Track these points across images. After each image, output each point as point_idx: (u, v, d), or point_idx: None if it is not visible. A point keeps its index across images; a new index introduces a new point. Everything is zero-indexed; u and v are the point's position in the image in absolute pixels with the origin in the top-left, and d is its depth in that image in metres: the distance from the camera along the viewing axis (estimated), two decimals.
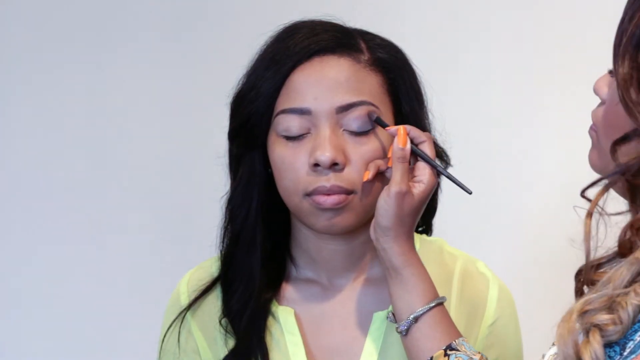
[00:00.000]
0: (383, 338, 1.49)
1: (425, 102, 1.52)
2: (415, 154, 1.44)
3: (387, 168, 1.45)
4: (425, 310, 1.40)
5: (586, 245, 1.22)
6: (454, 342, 1.38)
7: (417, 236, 1.55)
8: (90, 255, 2.47)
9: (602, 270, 1.23)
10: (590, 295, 1.19)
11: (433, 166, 1.44)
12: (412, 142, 1.44)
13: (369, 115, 1.45)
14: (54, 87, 2.48)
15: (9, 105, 2.49)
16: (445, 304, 1.43)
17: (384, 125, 1.45)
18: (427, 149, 1.44)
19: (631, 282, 1.17)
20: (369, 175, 1.44)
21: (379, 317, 1.50)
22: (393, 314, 1.43)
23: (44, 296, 2.48)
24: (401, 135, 1.42)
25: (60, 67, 2.48)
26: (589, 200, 1.25)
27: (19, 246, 2.49)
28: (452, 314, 1.48)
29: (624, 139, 1.21)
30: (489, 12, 2.32)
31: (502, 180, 2.27)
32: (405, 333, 1.40)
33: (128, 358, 2.39)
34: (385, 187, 1.42)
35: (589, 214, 1.21)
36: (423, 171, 1.43)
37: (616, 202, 1.23)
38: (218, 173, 1.56)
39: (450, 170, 1.46)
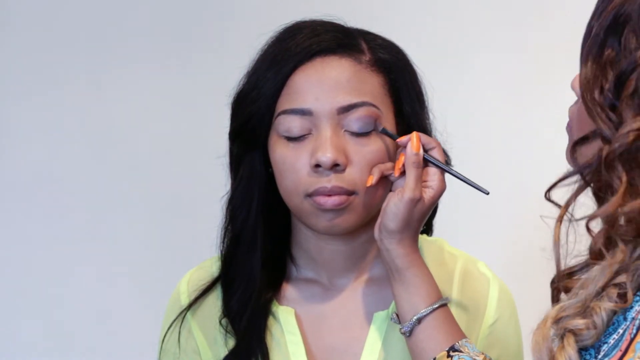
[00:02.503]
0: (383, 338, 1.49)
1: (426, 103, 1.52)
2: (426, 160, 1.44)
3: (390, 173, 1.45)
4: (428, 311, 1.40)
5: (556, 251, 1.23)
6: (457, 343, 1.39)
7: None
8: (90, 255, 2.47)
9: (575, 277, 1.23)
10: (564, 302, 1.20)
11: (447, 171, 1.44)
12: (422, 148, 1.44)
13: (376, 126, 1.45)
14: (54, 86, 2.48)
15: (9, 104, 2.49)
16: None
17: (393, 137, 1.45)
18: (437, 155, 1.45)
19: (604, 287, 1.18)
20: (372, 180, 1.44)
21: (380, 317, 1.50)
22: (397, 315, 1.43)
23: (43, 296, 2.48)
24: (414, 141, 1.43)
25: (61, 66, 2.48)
26: (554, 203, 1.25)
27: (19, 246, 2.49)
28: (453, 313, 1.48)
29: (583, 140, 1.22)
30: (490, 13, 2.32)
31: (503, 181, 2.27)
32: (409, 334, 1.40)
33: (128, 358, 2.39)
34: (398, 191, 1.42)
35: (559, 220, 1.22)
36: (433, 177, 1.44)
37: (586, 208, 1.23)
38: (218, 173, 1.56)
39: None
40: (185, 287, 1.57)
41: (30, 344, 2.48)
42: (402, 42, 1.52)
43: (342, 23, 1.51)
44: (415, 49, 1.55)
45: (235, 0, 2.46)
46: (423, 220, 1.44)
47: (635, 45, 1.16)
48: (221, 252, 1.55)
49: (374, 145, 1.45)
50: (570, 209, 1.22)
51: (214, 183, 1.58)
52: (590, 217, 1.18)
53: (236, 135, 1.50)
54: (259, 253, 1.51)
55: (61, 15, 2.49)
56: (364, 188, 1.44)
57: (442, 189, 1.44)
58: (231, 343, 1.50)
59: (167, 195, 2.47)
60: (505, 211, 2.30)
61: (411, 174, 1.42)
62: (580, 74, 1.21)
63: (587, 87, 1.19)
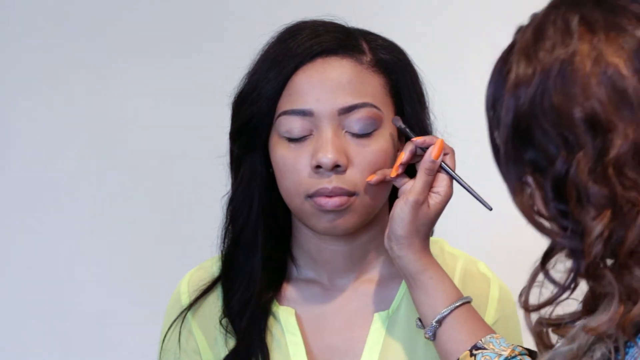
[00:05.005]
0: (384, 338, 1.49)
1: (427, 103, 1.52)
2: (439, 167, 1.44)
3: (394, 178, 1.45)
4: (447, 312, 1.39)
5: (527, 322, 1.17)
6: (480, 341, 1.37)
7: None
8: (90, 255, 2.47)
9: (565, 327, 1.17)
10: (555, 349, 1.15)
11: (458, 181, 1.44)
12: None
13: (394, 121, 1.45)
14: (55, 85, 2.48)
15: (9, 103, 2.49)
16: None
17: (410, 135, 1.45)
18: (450, 161, 1.44)
19: (596, 340, 1.12)
20: (373, 178, 1.44)
21: (380, 318, 1.50)
22: (420, 320, 1.43)
23: (43, 296, 2.47)
24: (436, 149, 1.43)
25: (61, 66, 2.48)
26: (531, 309, 1.16)
27: (19, 246, 2.49)
28: None
29: (548, 255, 1.14)
30: (491, 13, 2.32)
31: (503, 181, 2.27)
32: (433, 338, 1.40)
33: (128, 358, 2.39)
34: (404, 195, 1.42)
35: (527, 312, 1.15)
36: (441, 183, 1.43)
37: None
38: (219, 173, 1.56)
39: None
40: (186, 287, 1.56)
41: (30, 344, 2.48)
42: (403, 43, 1.52)
43: (343, 23, 1.50)
44: (416, 49, 1.54)
45: (235, 0, 2.46)
46: (430, 225, 1.43)
47: (553, 146, 1.08)
48: (222, 252, 1.55)
49: (375, 146, 1.45)
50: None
51: (215, 183, 1.58)
52: (591, 330, 1.09)
53: (237, 135, 1.50)
54: (259, 253, 1.51)
55: (61, 14, 2.48)
56: (364, 189, 1.44)
57: (449, 195, 1.44)
58: (231, 343, 1.50)
59: (168, 195, 2.47)
60: (505, 212, 2.29)
61: (421, 179, 1.42)
62: (513, 199, 1.13)
63: (526, 209, 1.12)
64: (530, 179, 1.11)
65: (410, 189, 1.42)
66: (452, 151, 1.45)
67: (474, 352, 1.37)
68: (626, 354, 1.09)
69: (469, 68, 2.35)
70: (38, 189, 2.48)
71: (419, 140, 1.44)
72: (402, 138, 1.49)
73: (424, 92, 1.52)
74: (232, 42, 2.37)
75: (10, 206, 2.49)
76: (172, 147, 2.46)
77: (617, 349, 1.10)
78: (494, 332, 1.40)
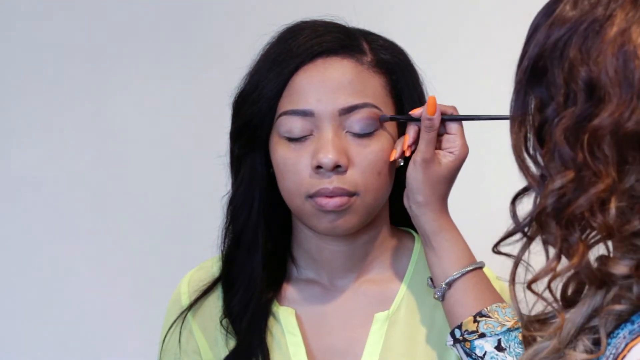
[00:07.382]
0: (384, 339, 1.49)
1: None
2: (444, 120, 1.44)
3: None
4: (457, 276, 1.41)
5: (516, 311, 1.17)
6: (485, 308, 1.39)
7: (418, 236, 1.55)
8: (90, 255, 2.47)
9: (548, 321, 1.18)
10: (537, 344, 1.16)
11: (465, 119, 1.44)
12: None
13: (381, 119, 1.45)
14: (54, 86, 2.48)
15: (9, 103, 2.49)
16: None
17: (404, 118, 1.46)
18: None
19: (578, 333, 1.12)
20: (394, 154, 1.45)
21: (380, 318, 1.50)
22: (431, 280, 1.44)
23: (43, 296, 2.47)
24: (430, 105, 1.43)
25: (61, 66, 2.48)
26: (505, 255, 1.21)
27: (19, 246, 2.48)
28: None
29: (522, 192, 1.18)
30: (491, 14, 2.32)
31: (504, 179, 2.27)
32: (441, 299, 1.42)
33: (129, 358, 2.39)
34: (412, 157, 1.43)
35: (512, 281, 1.17)
36: (454, 143, 1.44)
37: None
38: (220, 173, 1.56)
39: None
40: (186, 287, 1.56)
41: (29, 344, 2.48)
42: (404, 43, 1.52)
43: (343, 23, 1.50)
44: (416, 49, 1.54)
45: (236, 0, 2.46)
46: (446, 184, 1.44)
47: (556, 92, 1.10)
48: (222, 252, 1.55)
49: (376, 146, 1.45)
50: (525, 256, 1.17)
51: (215, 183, 1.58)
52: (532, 280, 1.13)
53: (237, 135, 1.50)
54: (259, 253, 1.51)
55: (62, 16, 2.48)
56: (365, 189, 1.44)
57: (463, 154, 1.44)
58: (232, 343, 1.50)
59: (168, 194, 2.46)
60: (507, 212, 2.29)
61: (423, 138, 1.43)
62: (510, 128, 1.16)
63: (517, 144, 1.14)
64: (531, 116, 1.14)
65: (416, 150, 1.43)
66: (454, 108, 1.46)
67: (478, 318, 1.38)
68: (608, 344, 1.10)
69: (469, 68, 2.35)
70: (38, 188, 2.48)
71: (416, 112, 1.45)
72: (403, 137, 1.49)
73: (424, 92, 1.52)
74: (233, 42, 2.37)
75: (10, 206, 2.49)
76: (172, 146, 2.46)
77: (599, 341, 1.11)
78: (502, 301, 1.41)
